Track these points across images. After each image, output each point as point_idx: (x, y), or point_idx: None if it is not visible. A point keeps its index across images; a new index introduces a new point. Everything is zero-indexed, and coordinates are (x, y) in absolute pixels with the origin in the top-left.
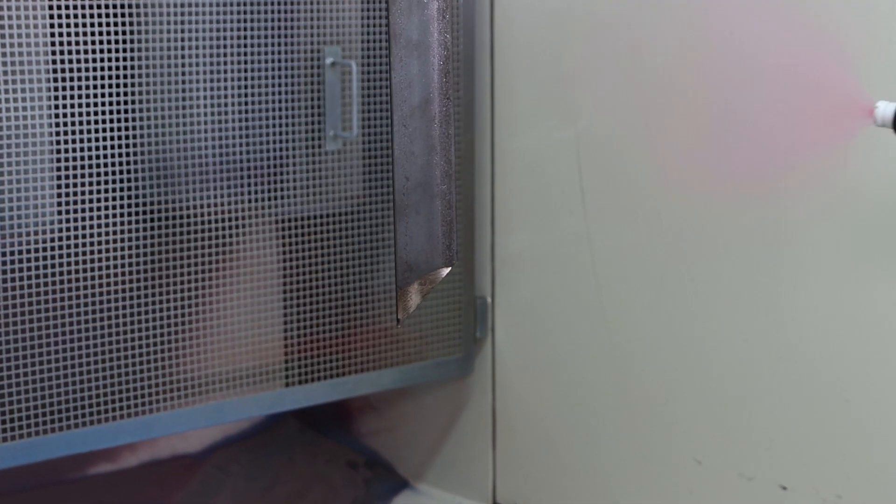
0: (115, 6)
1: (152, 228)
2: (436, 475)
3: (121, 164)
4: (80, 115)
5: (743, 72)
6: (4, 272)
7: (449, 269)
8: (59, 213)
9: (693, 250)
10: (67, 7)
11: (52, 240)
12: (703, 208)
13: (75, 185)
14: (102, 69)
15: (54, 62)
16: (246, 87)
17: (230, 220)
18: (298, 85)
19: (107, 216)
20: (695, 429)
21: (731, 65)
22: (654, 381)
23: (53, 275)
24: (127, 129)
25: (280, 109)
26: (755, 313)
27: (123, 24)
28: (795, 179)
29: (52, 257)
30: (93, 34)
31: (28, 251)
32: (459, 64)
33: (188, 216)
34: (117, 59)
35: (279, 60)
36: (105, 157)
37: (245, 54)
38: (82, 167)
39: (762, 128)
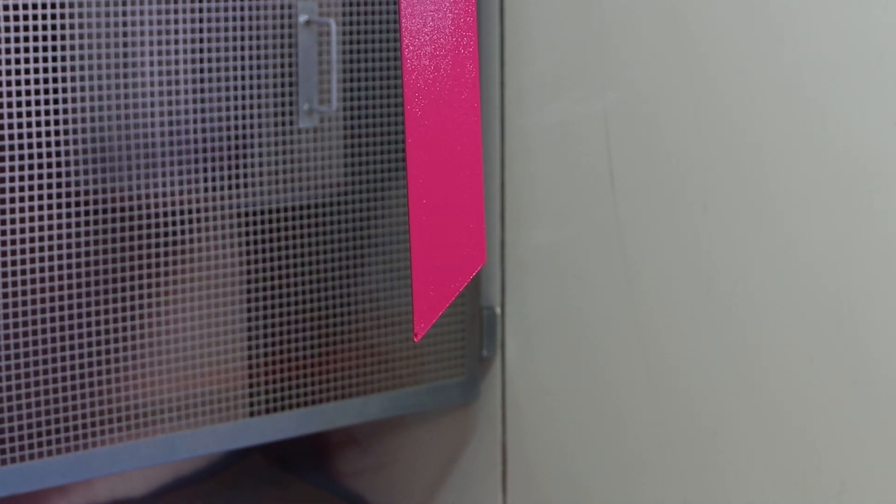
0: None
1: (87, 223)
2: None
3: (48, 143)
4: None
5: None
6: None
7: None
8: None
9: (746, 248)
10: None
11: None
12: (758, 198)
13: None
14: (27, 28)
15: None
16: (202, 50)
17: (183, 213)
18: (265, 48)
19: (31, 208)
20: (751, 468)
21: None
22: (701, 411)
23: None
24: (57, 101)
25: (243, 78)
26: (823, 327)
27: None
28: None
29: None
30: None
31: None
32: None
33: (132, 208)
34: (44, 17)
35: (242, 18)
36: (30, 135)
37: (201, 10)
38: (1, 148)
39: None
